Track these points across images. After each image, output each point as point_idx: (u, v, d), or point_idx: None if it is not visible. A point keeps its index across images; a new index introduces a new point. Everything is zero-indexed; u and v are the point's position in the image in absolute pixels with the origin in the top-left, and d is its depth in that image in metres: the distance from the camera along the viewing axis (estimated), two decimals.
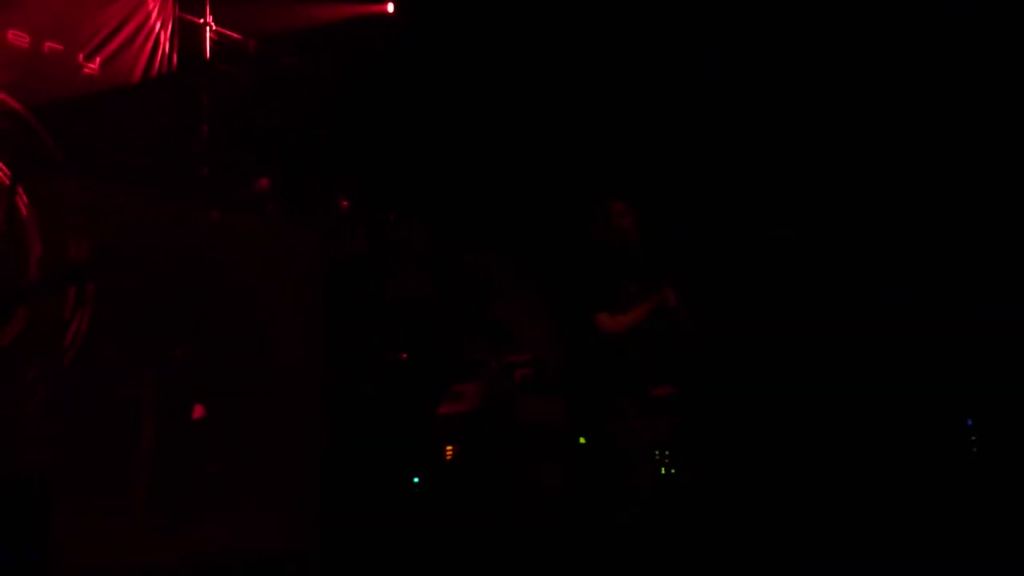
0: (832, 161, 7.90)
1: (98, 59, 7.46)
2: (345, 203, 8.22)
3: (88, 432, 6.47)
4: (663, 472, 7.43)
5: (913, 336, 7.49)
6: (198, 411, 7.19)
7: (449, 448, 7.86)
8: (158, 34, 7.82)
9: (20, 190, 6.55)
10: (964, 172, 7.59)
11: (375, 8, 8.83)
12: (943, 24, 7.36)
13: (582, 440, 6.85)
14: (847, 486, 7.16)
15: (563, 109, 8.44)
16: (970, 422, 7.65)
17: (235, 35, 8.22)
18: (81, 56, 7.38)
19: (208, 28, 8.07)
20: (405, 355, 8.00)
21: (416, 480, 7.84)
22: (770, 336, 7.70)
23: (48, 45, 7.21)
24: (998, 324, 7.30)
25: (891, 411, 7.53)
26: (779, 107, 7.99)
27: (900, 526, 6.76)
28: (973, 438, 7.63)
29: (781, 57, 7.95)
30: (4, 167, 6.69)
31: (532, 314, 7.53)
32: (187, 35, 8.00)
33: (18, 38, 7.03)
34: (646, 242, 6.31)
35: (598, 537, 6.37)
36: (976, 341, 7.32)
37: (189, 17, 8.04)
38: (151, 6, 7.82)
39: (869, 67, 7.75)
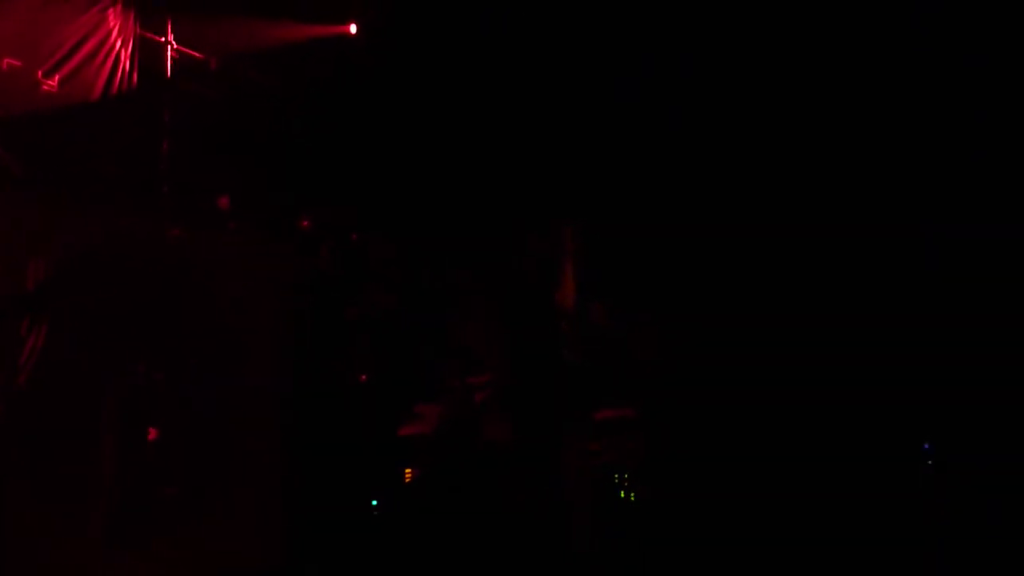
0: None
1: (57, 76, 7.40)
2: (306, 222, 8.20)
3: (45, 451, 6.38)
4: (623, 496, 7.43)
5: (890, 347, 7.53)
6: (153, 433, 7.12)
7: (408, 471, 7.83)
8: (119, 52, 7.78)
9: None
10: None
11: (337, 28, 8.85)
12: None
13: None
14: (819, 508, 7.16)
15: (525, 126, 8.47)
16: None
17: (196, 54, 8.18)
18: (40, 73, 7.32)
19: (169, 46, 8.03)
20: (364, 376, 7.96)
21: (375, 503, 7.79)
22: (738, 352, 7.71)
23: (7, 61, 7.15)
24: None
25: (864, 426, 7.56)
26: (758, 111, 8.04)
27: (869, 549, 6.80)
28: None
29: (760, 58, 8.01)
30: None
31: (493, 335, 7.54)
32: (148, 53, 7.96)
33: None
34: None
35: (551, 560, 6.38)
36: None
37: (150, 35, 8.00)
38: (112, 24, 7.78)
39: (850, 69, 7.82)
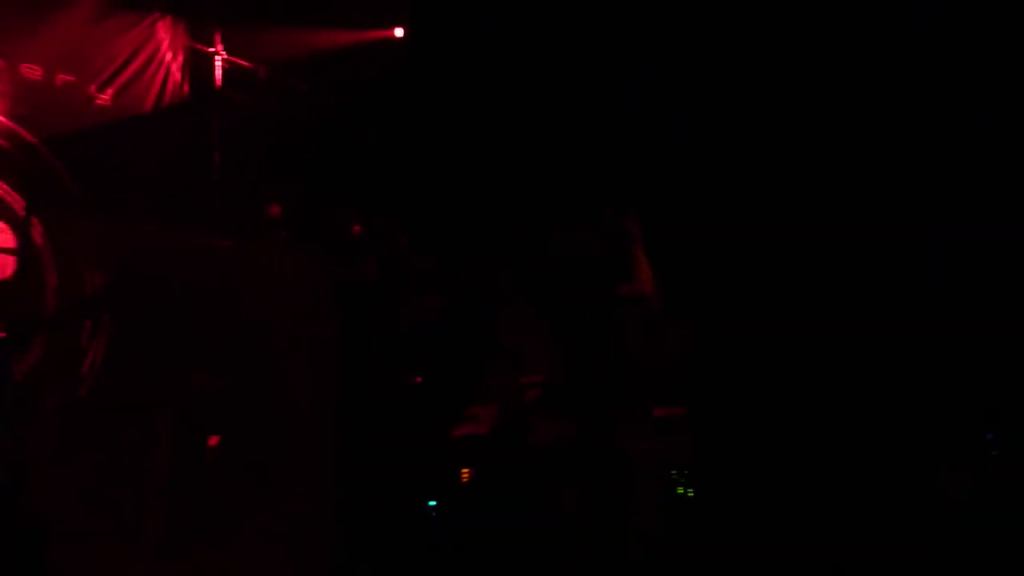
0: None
1: (110, 90, 7.52)
2: (357, 228, 8.25)
3: (104, 460, 6.50)
4: (679, 492, 7.41)
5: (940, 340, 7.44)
6: (213, 440, 7.22)
7: (465, 471, 7.85)
8: (169, 64, 7.88)
9: (35, 221, 6.61)
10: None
11: (384, 33, 8.87)
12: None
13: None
14: (875, 504, 7.09)
15: (572, 130, 8.45)
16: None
17: (245, 63, 8.25)
18: (93, 87, 7.45)
19: (218, 57, 8.10)
20: (419, 379, 8.01)
21: (432, 504, 7.83)
22: (789, 349, 7.66)
23: (60, 77, 7.28)
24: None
25: (916, 419, 7.48)
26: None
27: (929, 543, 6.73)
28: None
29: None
30: (19, 198, 6.75)
31: (543, 335, 7.53)
32: (198, 64, 8.05)
33: (31, 71, 7.11)
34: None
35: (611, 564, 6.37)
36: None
37: (199, 46, 8.08)
38: (162, 36, 7.88)
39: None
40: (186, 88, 7.94)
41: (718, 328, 7.61)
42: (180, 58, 7.95)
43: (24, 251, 6.02)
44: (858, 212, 7.77)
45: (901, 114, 7.69)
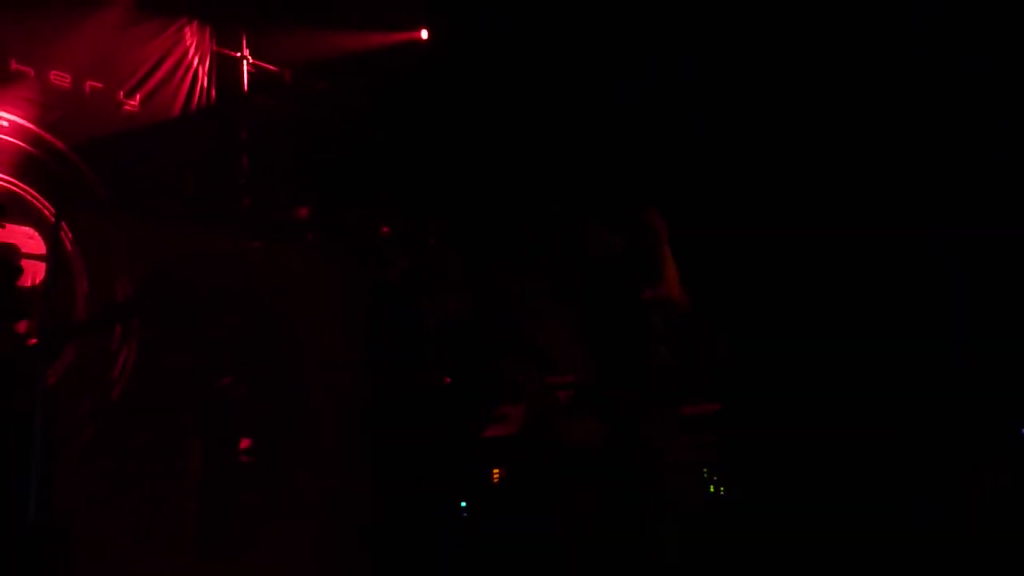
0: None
1: (138, 96, 7.58)
2: (385, 229, 8.26)
3: (136, 463, 6.55)
4: (712, 491, 7.36)
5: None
6: (244, 442, 7.25)
7: (496, 471, 7.84)
8: (196, 69, 7.93)
9: (65, 227, 6.66)
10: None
11: (408, 35, 8.89)
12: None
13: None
14: (912, 506, 7.01)
15: (598, 130, 8.42)
16: None
17: (271, 67, 8.28)
18: (121, 94, 7.51)
19: (245, 61, 8.15)
20: (448, 379, 8.00)
21: (464, 504, 7.82)
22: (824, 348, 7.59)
23: (89, 84, 7.34)
24: None
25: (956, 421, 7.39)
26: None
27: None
28: None
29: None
30: (49, 205, 6.81)
31: (572, 334, 7.51)
32: (224, 68, 8.09)
33: (60, 79, 7.17)
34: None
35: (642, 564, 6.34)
36: None
37: (226, 51, 8.13)
38: (188, 42, 7.93)
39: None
40: (213, 92, 7.99)
41: (751, 325, 7.55)
42: (207, 63, 8.00)
43: (54, 257, 6.05)
44: (894, 212, 7.69)
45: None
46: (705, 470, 7.31)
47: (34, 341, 6.09)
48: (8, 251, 5.73)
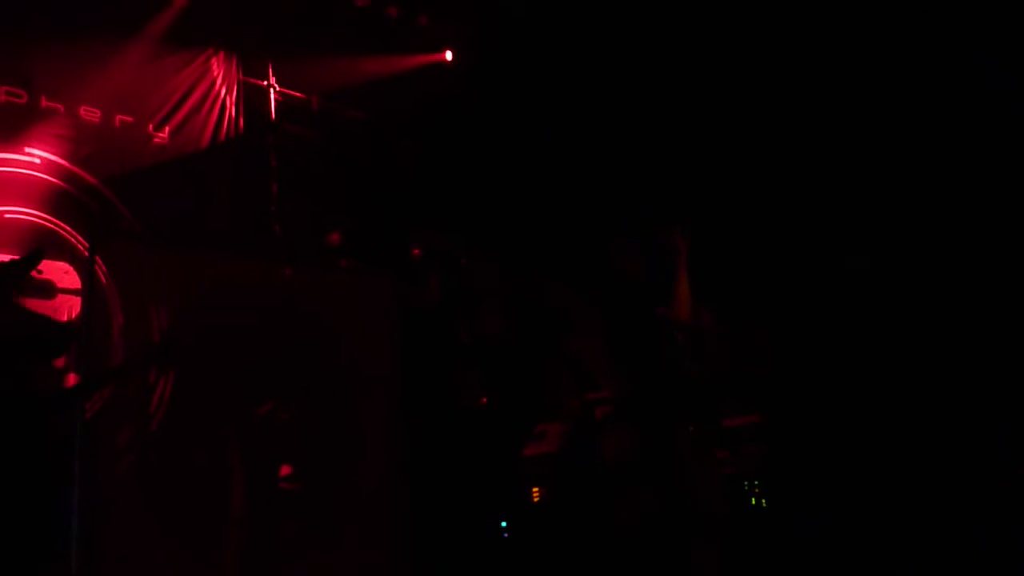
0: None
1: (167, 128, 7.63)
2: (416, 251, 8.27)
3: (177, 493, 6.55)
4: (753, 503, 7.29)
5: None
6: (285, 468, 7.25)
7: (536, 489, 7.81)
8: (224, 99, 7.98)
9: (99, 261, 6.70)
10: None
11: (433, 57, 8.92)
12: None
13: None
14: (959, 514, 6.88)
15: (630, 145, 8.39)
16: None
17: (298, 94, 8.32)
18: (151, 126, 7.56)
19: (272, 89, 8.19)
20: (485, 399, 7.98)
21: (504, 524, 7.79)
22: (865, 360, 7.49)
23: (119, 118, 7.40)
24: None
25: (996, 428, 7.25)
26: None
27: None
28: None
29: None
30: (83, 239, 6.85)
31: (608, 349, 7.48)
32: (252, 97, 8.13)
33: (90, 113, 7.23)
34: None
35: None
36: None
37: (253, 80, 8.17)
38: (215, 72, 7.98)
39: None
40: (241, 122, 8.03)
41: (795, 334, 7.48)
42: (234, 92, 8.05)
43: (89, 292, 6.09)
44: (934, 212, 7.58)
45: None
46: (746, 482, 7.25)
47: (73, 379, 6.13)
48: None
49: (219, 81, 7.98)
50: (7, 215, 6.69)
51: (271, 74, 8.20)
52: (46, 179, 6.91)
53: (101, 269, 6.79)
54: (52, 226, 6.84)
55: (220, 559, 6.66)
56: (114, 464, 6.47)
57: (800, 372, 7.46)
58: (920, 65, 7.53)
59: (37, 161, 6.90)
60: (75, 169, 7.05)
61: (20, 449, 4.67)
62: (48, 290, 6.62)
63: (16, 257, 4.87)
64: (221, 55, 8.04)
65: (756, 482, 7.27)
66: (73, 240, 6.89)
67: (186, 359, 6.93)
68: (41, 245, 5.44)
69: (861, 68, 7.77)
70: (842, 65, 7.80)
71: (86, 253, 6.70)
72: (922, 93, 7.56)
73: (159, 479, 6.59)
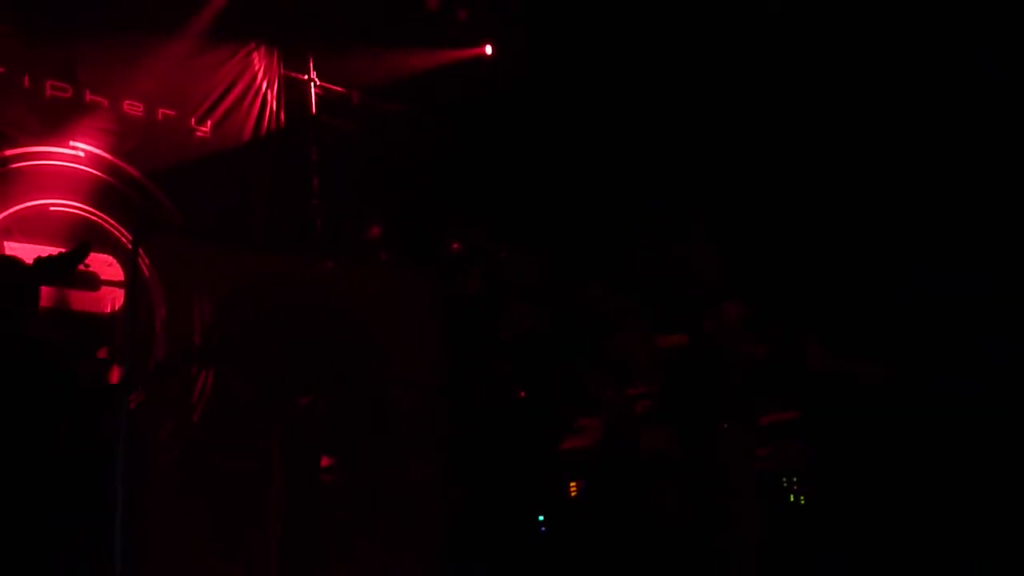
0: None
1: (209, 122, 7.69)
2: (456, 245, 8.28)
3: (219, 486, 6.60)
4: (791, 500, 7.26)
5: None
6: (325, 460, 7.29)
7: (573, 484, 7.80)
8: (265, 93, 8.03)
9: (142, 253, 6.75)
10: None
11: (473, 51, 8.92)
12: None
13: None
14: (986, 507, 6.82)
15: (670, 141, 8.36)
16: None
17: (338, 88, 8.36)
18: (193, 120, 7.62)
19: (312, 83, 8.23)
20: (523, 393, 7.99)
21: (541, 518, 7.79)
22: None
23: (161, 112, 7.46)
24: None
25: None
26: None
27: None
28: None
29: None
30: (126, 232, 6.92)
31: (649, 344, 7.46)
32: (292, 91, 8.17)
33: (133, 107, 7.30)
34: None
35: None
36: None
37: (293, 74, 8.21)
38: (257, 67, 8.03)
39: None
40: (282, 116, 8.07)
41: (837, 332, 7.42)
42: (275, 87, 8.09)
43: (133, 284, 6.14)
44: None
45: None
46: (784, 479, 7.21)
47: (115, 371, 6.18)
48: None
49: (260, 75, 8.03)
50: (52, 208, 6.77)
51: (312, 68, 8.25)
52: (90, 172, 6.99)
53: (144, 262, 6.84)
54: (96, 219, 6.91)
55: (262, 551, 6.70)
56: (157, 457, 6.52)
57: (839, 368, 7.41)
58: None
59: (81, 155, 6.97)
60: (119, 163, 7.12)
61: (67, 443, 4.72)
62: (92, 282, 6.70)
63: (63, 250, 4.89)
64: (262, 50, 8.08)
65: (795, 479, 7.24)
66: (116, 233, 6.96)
67: (227, 352, 6.99)
68: (88, 239, 5.47)
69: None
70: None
71: (129, 246, 6.75)
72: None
73: (201, 472, 6.64)
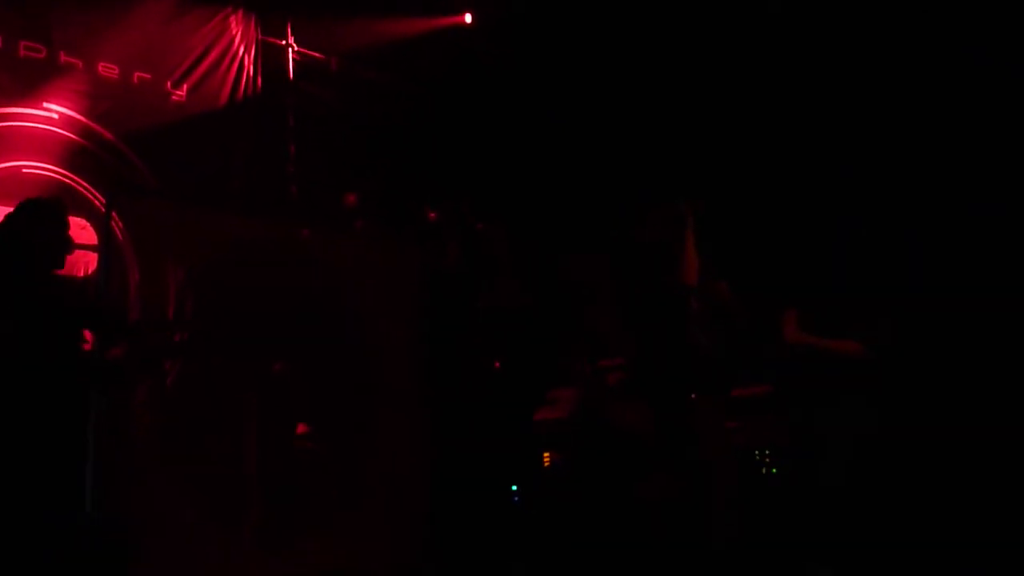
0: None
1: (185, 86, 7.63)
2: (432, 215, 8.25)
3: (194, 451, 6.58)
4: (764, 472, 7.30)
5: None
6: (301, 428, 7.28)
7: (547, 455, 7.83)
8: (242, 58, 7.98)
9: (115, 217, 6.70)
10: None
11: (453, 19, 8.88)
12: None
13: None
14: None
15: (651, 112, 8.34)
16: None
17: (316, 54, 8.30)
18: (169, 84, 7.56)
19: (290, 49, 8.17)
20: (498, 363, 7.98)
21: (515, 488, 7.81)
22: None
23: (137, 75, 7.40)
24: None
25: None
26: None
27: None
28: None
29: None
30: (100, 195, 6.87)
31: (622, 317, 7.48)
32: (270, 57, 8.12)
33: (108, 70, 7.24)
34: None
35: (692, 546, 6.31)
36: None
37: (271, 39, 8.15)
38: (234, 31, 7.97)
39: None
40: (259, 81, 8.03)
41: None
42: (252, 51, 8.04)
43: (106, 247, 6.09)
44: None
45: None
46: (757, 452, 7.25)
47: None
48: None
49: (237, 40, 7.97)
50: (25, 170, 6.71)
51: (290, 34, 8.19)
52: (64, 134, 6.93)
53: (117, 225, 6.80)
54: (70, 182, 6.87)
55: (239, 518, 6.69)
56: (130, 424, 6.48)
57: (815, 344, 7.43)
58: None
59: (55, 116, 6.91)
60: (93, 125, 7.06)
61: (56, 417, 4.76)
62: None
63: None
64: (240, 14, 8.03)
65: (767, 452, 7.27)
66: (90, 196, 6.91)
67: (201, 317, 6.96)
68: (61, 200, 5.45)
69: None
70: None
71: (103, 209, 6.71)
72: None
73: (175, 438, 6.61)
